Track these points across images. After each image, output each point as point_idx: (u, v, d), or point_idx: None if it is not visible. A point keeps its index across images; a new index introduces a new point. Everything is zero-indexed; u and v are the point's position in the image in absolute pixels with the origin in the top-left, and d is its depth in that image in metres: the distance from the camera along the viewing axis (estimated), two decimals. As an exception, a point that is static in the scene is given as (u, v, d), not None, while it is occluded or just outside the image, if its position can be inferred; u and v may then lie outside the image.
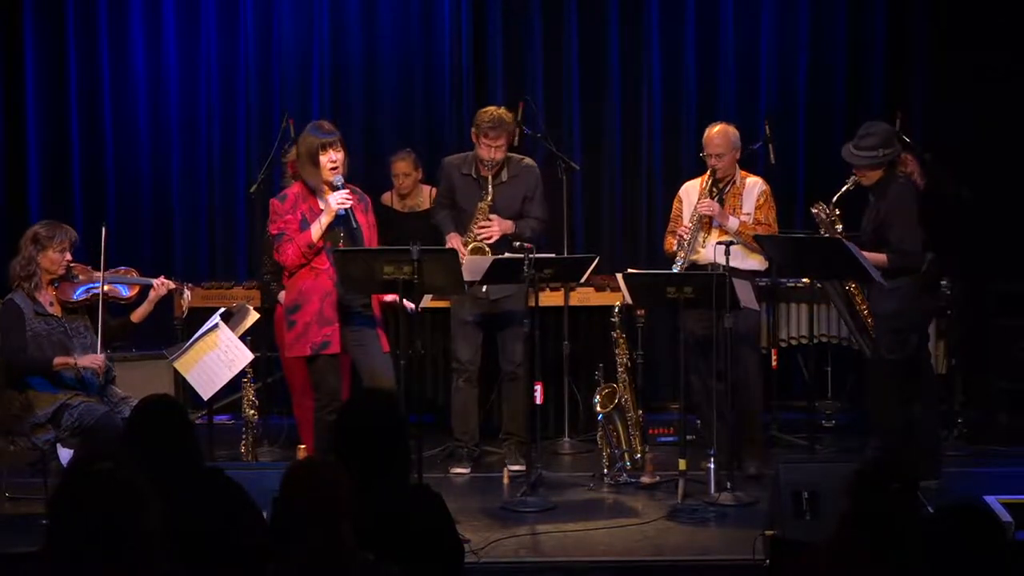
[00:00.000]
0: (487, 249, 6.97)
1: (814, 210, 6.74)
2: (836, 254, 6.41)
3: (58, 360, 6.04)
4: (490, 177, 7.03)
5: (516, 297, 7.02)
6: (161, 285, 6.30)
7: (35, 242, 6.14)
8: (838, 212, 6.69)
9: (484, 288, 6.88)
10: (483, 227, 7.02)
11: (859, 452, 6.88)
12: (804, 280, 7.51)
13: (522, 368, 7.05)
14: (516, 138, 7.59)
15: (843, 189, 6.63)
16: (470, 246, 6.97)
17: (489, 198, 7.03)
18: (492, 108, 7.16)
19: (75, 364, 6.06)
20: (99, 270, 6.22)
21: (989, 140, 8.45)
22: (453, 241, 7.00)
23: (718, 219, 6.86)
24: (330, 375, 6.31)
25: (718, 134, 6.92)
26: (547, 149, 8.09)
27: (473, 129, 7.11)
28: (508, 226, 7.04)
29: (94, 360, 6.07)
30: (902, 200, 6.46)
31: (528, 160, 7.33)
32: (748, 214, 6.90)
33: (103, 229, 6.22)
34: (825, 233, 6.67)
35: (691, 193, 7.03)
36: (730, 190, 6.95)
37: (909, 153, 7.26)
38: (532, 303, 6.50)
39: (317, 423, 6.37)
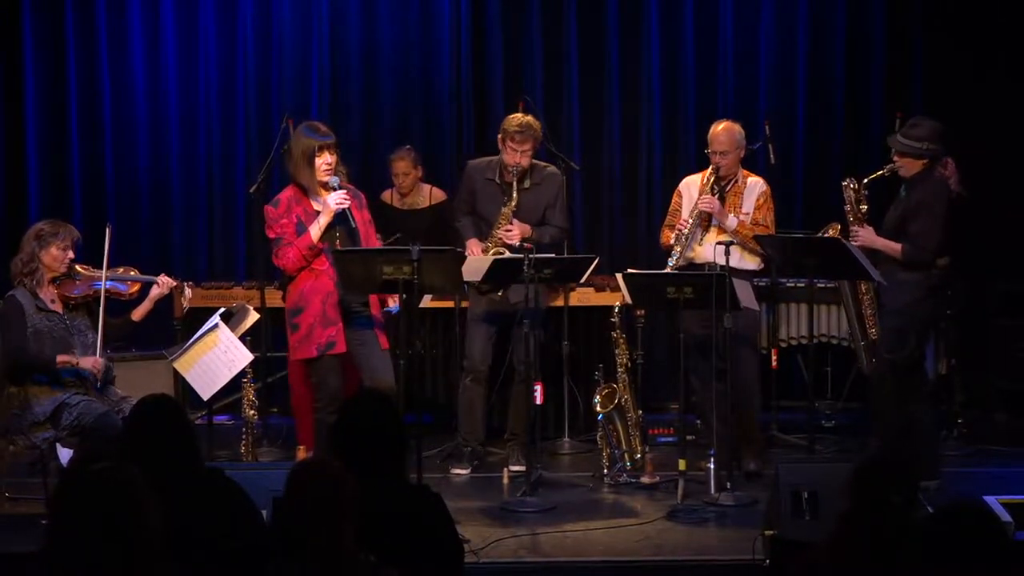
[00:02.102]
0: (507, 254, 6.90)
1: (844, 183, 6.73)
2: (836, 254, 6.42)
3: (60, 358, 6.04)
4: (515, 183, 6.97)
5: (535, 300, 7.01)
6: (163, 283, 6.33)
7: (38, 239, 6.15)
8: (866, 192, 6.69)
9: (500, 292, 6.87)
10: (506, 231, 6.95)
11: (859, 452, 6.88)
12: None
13: (532, 370, 7.03)
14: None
15: (877, 173, 6.62)
16: (491, 251, 6.92)
17: (513, 203, 6.95)
18: (519, 114, 7.08)
19: (77, 364, 6.07)
20: (100, 269, 6.23)
21: (989, 140, 8.43)
22: (473, 248, 6.93)
23: (717, 217, 6.85)
24: (332, 376, 6.31)
25: (723, 131, 6.89)
26: (547, 149, 8.08)
27: (500, 135, 7.01)
28: (527, 230, 6.97)
29: (95, 363, 6.08)
30: (933, 196, 6.44)
31: (552, 168, 7.26)
32: (747, 213, 6.89)
33: (107, 229, 6.26)
34: (848, 208, 6.68)
35: (691, 187, 7.02)
36: (731, 188, 6.93)
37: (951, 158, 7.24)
38: (533, 304, 6.50)
39: (317, 424, 6.38)
